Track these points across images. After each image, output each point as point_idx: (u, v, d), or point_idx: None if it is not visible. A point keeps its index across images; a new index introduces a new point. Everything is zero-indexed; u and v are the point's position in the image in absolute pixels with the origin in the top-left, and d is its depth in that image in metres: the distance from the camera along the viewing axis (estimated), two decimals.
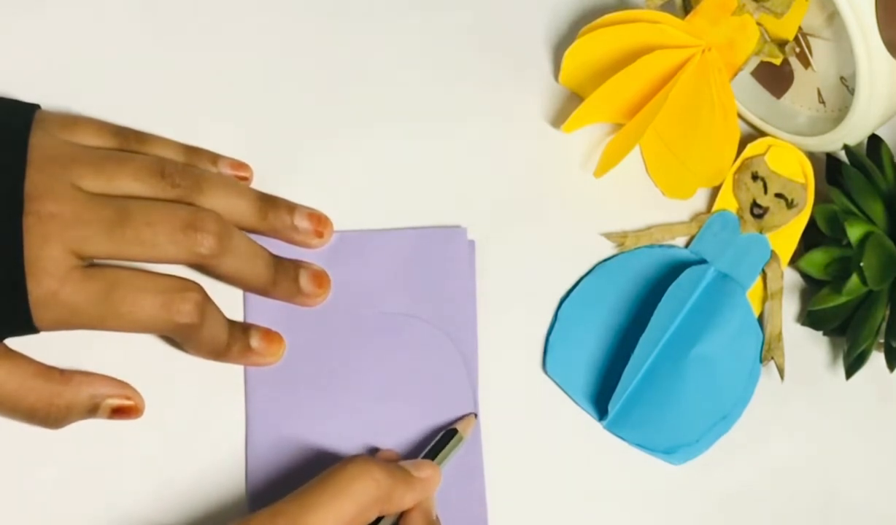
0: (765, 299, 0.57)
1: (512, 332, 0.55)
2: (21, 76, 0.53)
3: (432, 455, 0.49)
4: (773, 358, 0.56)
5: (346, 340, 0.52)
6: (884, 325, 0.55)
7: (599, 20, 0.56)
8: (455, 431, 0.51)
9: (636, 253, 0.57)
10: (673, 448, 0.54)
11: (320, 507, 0.43)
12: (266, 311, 0.52)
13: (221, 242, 0.48)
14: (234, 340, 0.50)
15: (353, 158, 0.56)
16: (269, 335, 0.51)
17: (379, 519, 0.46)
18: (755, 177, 0.58)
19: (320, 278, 0.53)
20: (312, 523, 0.43)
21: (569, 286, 0.56)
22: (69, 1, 0.55)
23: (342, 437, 0.51)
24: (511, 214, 0.57)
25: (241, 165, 0.53)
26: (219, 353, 0.50)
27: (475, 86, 0.59)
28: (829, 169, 0.58)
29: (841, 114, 0.56)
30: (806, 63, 0.58)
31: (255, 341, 0.51)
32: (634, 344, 0.54)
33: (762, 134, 0.60)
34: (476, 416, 0.52)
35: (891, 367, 0.55)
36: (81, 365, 0.49)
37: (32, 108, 0.49)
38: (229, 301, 0.51)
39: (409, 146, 0.57)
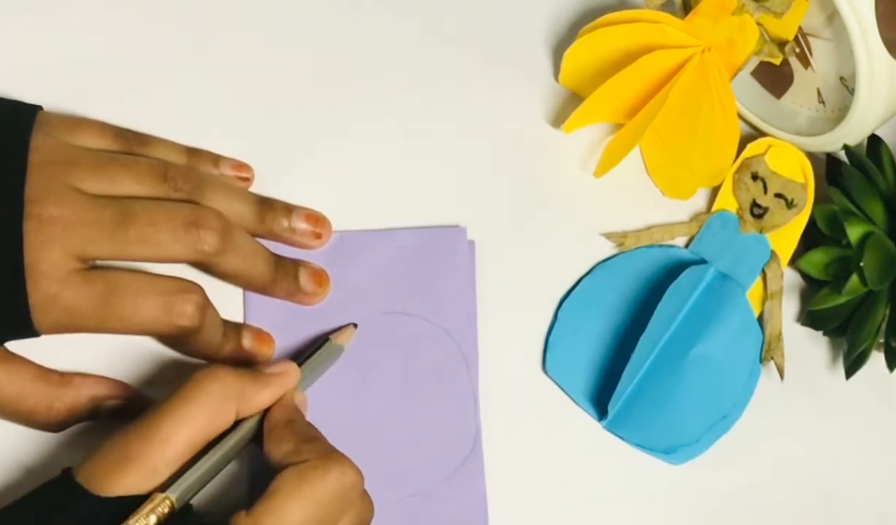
0: (765, 299, 0.57)
1: (512, 332, 0.55)
2: (23, 77, 0.53)
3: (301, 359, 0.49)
4: (773, 358, 0.56)
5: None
6: (884, 325, 0.55)
7: (599, 20, 0.56)
8: (329, 340, 0.51)
9: (636, 253, 0.57)
10: (673, 448, 0.54)
11: (170, 417, 0.43)
12: (266, 311, 0.52)
13: (224, 240, 0.48)
14: (226, 340, 0.50)
15: (352, 158, 0.56)
16: (261, 335, 0.51)
17: (240, 422, 0.46)
18: (755, 177, 0.58)
19: (320, 277, 0.53)
20: (164, 433, 0.42)
21: (569, 286, 0.56)
22: (71, 2, 0.55)
23: (342, 435, 0.51)
24: (511, 214, 0.57)
25: (242, 166, 0.53)
26: (211, 353, 0.50)
27: (475, 86, 0.59)
28: (829, 169, 0.58)
29: (841, 114, 0.56)
30: (806, 63, 0.58)
31: (246, 341, 0.51)
32: (634, 344, 0.54)
33: (762, 134, 0.60)
34: (356, 326, 0.52)
35: (891, 367, 0.55)
36: (81, 366, 0.49)
37: (34, 110, 0.49)
38: (229, 301, 0.52)
39: (409, 146, 0.57)
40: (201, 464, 0.44)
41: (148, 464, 0.42)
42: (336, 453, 0.44)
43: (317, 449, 0.44)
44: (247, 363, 0.51)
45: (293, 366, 0.48)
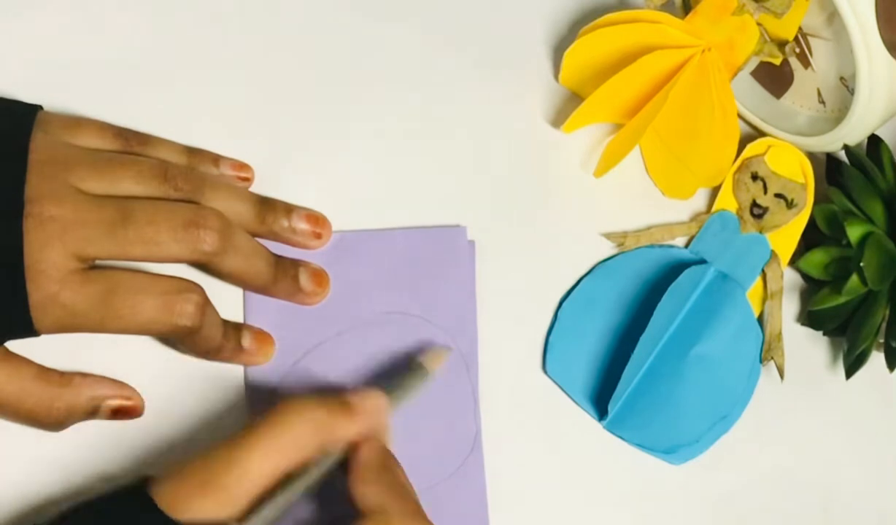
0: (765, 299, 0.57)
1: (512, 332, 0.55)
2: (23, 77, 0.53)
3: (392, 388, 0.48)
4: (773, 358, 0.56)
5: (345, 340, 0.53)
6: (884, 325, 0.55)
7: (599, 20, 0.56)
8: (420, 364, 0.49)
9: (636, 253, 0.57)
10: (673, 448, 0.54)
11: (254, 447, 0.43)
12: (266, 311, 0.52)
13: (224, 239, 0.48)
14: (226, 340, 0.50)
15: (352, 158, 0.56)
16: (261, 335, 0.52)
17: (324, 454, 0.44)
18: (755, 177, 0.58)
19: (320, 277, 0.53)
20: (247, 463, 0.42)
21: (569, 286, 0.56)
22: (71, 2, 0.55)
23: None
24: (511, 214, 0.57)
25: (242, 166, 0.53)
26: (211, 353, 0.50)
27: (475, 86, 0.59)
28: (829, 169, 0.58)
29: (841, 114, 0.56)
30: (806, 63, 0.58)
31: (246, 341, 0.51)
32: (634, 344, 0.54)
33: (762, 134, 0.60)
34: (450, 349, 0.50)
35: (891, 367, 0.55)
36: (81, 366, 0.49)
37: (34, 109, 0.49)
38: (229, 301, 0.52)
39: (408, 146, 0.57)
40: (280, 496, 0.43)
41: (227, 492, 0.42)
42: (422, 521, 0.43)
43: (404, 511, 0.43)
44: (246, 362, 0.51)
45: (383, 399, 0.46)
